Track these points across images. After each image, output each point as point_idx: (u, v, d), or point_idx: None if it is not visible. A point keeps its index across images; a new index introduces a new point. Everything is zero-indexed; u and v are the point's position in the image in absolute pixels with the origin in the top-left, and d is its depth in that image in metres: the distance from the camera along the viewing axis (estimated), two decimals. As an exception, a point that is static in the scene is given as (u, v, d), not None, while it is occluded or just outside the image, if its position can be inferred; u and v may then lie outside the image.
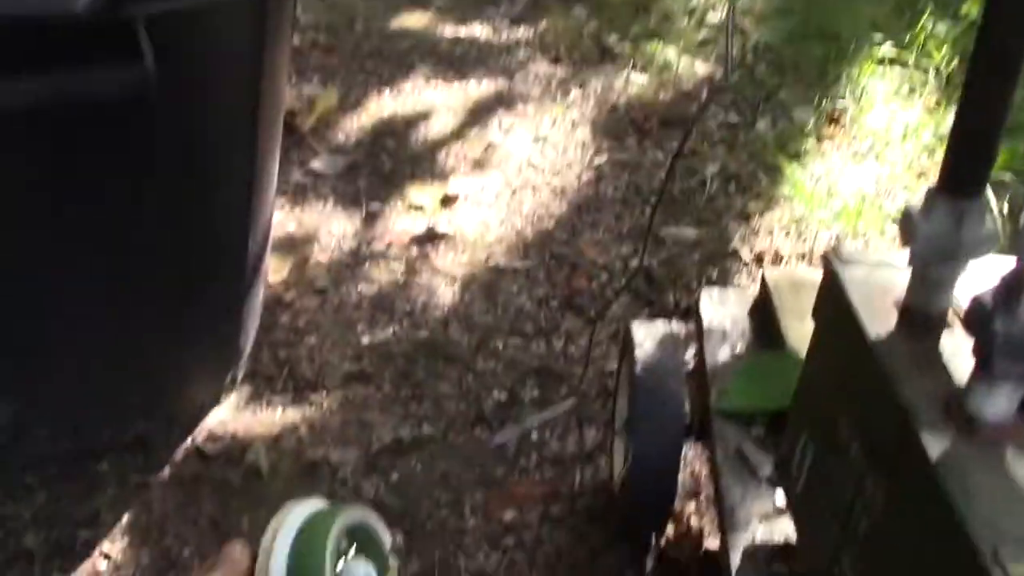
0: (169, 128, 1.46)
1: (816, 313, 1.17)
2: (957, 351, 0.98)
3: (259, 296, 1.93)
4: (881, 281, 1.08)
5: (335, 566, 0.65)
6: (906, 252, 1.04)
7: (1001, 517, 0.79)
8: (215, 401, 1.93)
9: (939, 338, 1.01)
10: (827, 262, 1.12)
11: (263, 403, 1.96)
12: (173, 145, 1.50)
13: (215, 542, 1.72)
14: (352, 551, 0.69)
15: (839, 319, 1.08)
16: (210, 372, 1.89)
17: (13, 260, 1.50)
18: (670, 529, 1.77)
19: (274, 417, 1.93)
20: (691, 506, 1.83)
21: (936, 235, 0.97)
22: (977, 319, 0.83)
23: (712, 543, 1.76)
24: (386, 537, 0.72)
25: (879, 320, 1.03)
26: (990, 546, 0.76)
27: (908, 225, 0.99)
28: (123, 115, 1.38)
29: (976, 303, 0.83)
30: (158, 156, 1.49)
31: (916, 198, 1.03)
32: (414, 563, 1.70)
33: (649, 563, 1.74)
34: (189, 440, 1.87)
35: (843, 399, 1.07)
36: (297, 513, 0.66)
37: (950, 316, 1.04)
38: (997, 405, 0.86)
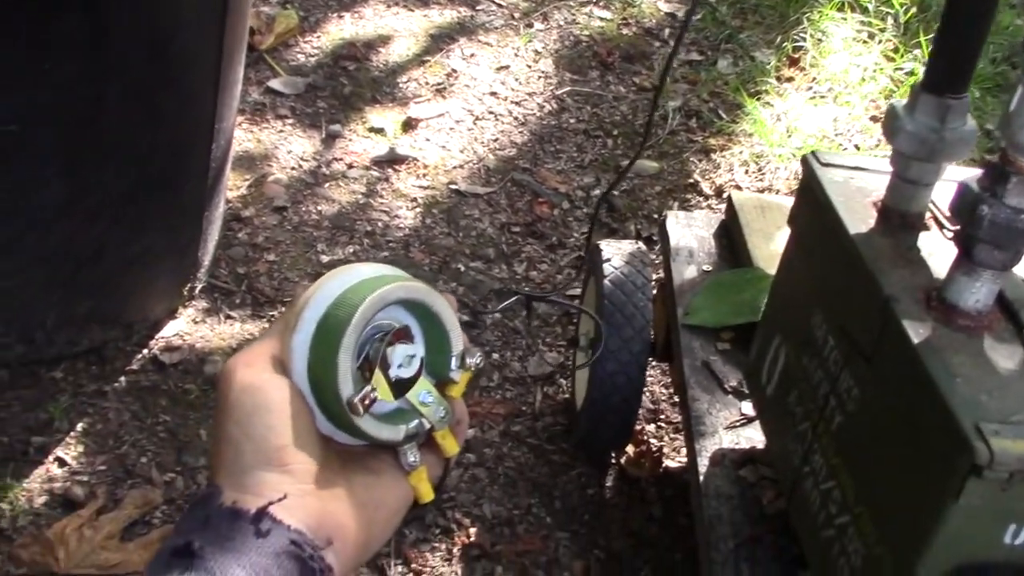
0: (135, 9, 1.42)
1: (793, 219, 1.18)
2: (935, 249, 1.00)
3: (220, 207, 1.89)
4: (860, 183, 1.09)
5: (363, 336, 0.59)
6: (881, 160, 1.05)
7: (981, 395, 0.81)
8: (172, 313, 1.90)
9: (917, 237, 1.02)
10: (806, 165, 1.12)
11: (221, 317, 1.93)
12: (139, 29, 1.45)
13: (172, 451, 1.70)
14: (406, 336, 0.61)
15: (818, 220, 1.08)
16: (169, 282, 1.85)
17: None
18: (630, 448, 1.79)
19: (232, 330, 1.91)
20: (651, 428, 1.85)
21: (919, 131, 0.98)
22: (964, 204, 0.84)
23: (671, 463, 1.78)
24: (456, 336, 0.63)
25: (859, 219, 1.04)
26: (972, 422, 0.78)
27: (893, 121, 1.00)
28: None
29: (963, 188, 0.84)
30: (123, 39, 1.44)
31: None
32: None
33: (609, 481, 1.76)
34: (145, 351, 1.84)
35: (821, 299, 1.08)
36: (353, 272, 0.61)
37: (927, 219, 1.06)
38: (977, 294, 0.88)
